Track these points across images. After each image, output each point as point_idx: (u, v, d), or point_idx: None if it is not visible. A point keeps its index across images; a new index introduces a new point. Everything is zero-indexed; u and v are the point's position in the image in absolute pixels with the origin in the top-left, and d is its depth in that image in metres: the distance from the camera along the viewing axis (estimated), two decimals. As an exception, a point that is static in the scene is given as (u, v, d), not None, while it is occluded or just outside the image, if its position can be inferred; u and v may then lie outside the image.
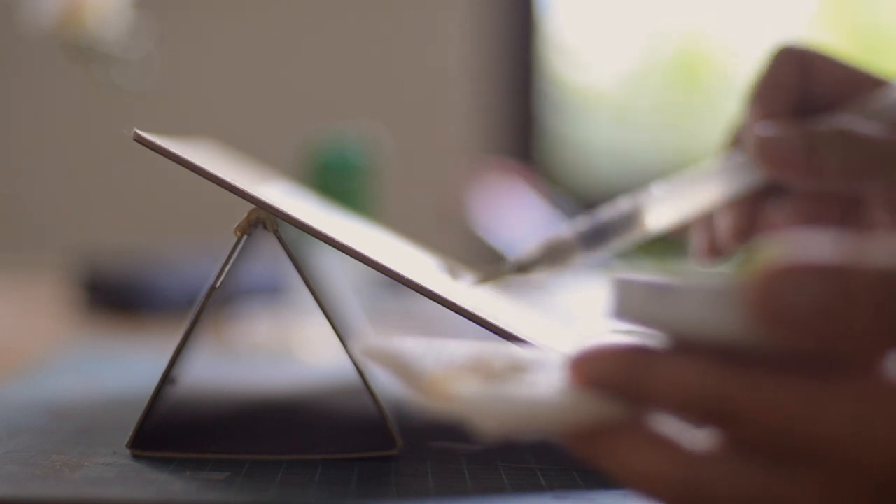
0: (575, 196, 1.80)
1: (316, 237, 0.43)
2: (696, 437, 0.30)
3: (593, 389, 0.30)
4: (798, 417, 0.28)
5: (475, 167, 1.67)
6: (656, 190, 0.55)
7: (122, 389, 0.59)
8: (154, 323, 0.93)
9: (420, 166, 1.83)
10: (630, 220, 0.54)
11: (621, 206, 0.55)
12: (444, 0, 1.92)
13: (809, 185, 0.54)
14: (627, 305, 0.31)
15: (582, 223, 0.54)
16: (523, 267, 0.54)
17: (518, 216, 1.43)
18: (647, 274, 0.30)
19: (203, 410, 0.54)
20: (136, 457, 0.43)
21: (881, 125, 0.52)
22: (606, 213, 0.55)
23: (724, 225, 0.56)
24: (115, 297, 0.97)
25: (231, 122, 1.84)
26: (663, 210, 0.55)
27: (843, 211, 0.56)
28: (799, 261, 0.27)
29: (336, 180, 1.04)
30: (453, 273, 0.56)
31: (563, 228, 0.55)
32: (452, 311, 0.43)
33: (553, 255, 0.54)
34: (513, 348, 0.36)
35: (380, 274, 0.44)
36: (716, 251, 0.57)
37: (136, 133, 0.43)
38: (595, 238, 0.54)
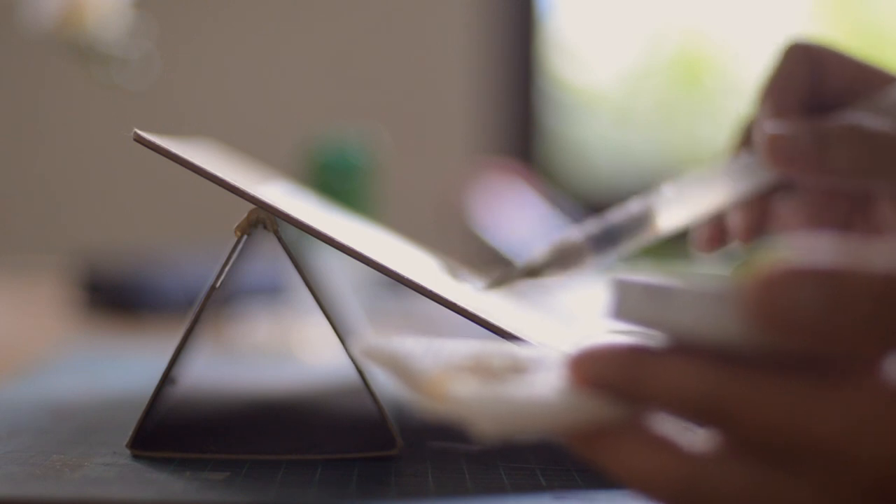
0: (575, 196, 1.80)
1: (316, 237, 0.43)
2: (694, 438, 0.30)
3: (592, 389, 0.30)
4: (795, 418, 0.28)
5: (475, 167, 1.67)
6: (667, 191, 0.54)
7: (122, 389, 0.59)
8: (154, 323, 0.93)
9: (420, 166, 1.83)
10: (641, 222, 0.53)
11: (632, 207, 0.53)
12: (444, 0, 1.92)
13: (820, 183, 0.53)
14: (626, 306, 0.31)
15: (592, 225, 0.53)
16: (534, 271, 0.53)
17: (518, 216, 1.43)
18: (646, 275, 0.30)
19: (203, 410, 0.54)
20: (136, 457, 0.43)
21: (892, 121, 0.51)
22: (617, 214, 0.53)
23: (734, 222, 0.55)
24: (115, 297, 0.97)
25: (231, 122, 1.84)
26: (674, 211, 0.54)
27: (851, 209, 0.55)
28: (797, 264, 0.27)
29: (336, 180, 1.04)
30: (454, 273, 0.56)
31: (573, 231, 0.53)
32: (452, 310, 0.43)
33: (564, 259, 0.52)
34: (512, 348, 0.36)
35: (380, 274, 0.44)
36: (720, 243, 0.56)
37: (136, 133, 0.43)
38: (606, 240, 0.53)
